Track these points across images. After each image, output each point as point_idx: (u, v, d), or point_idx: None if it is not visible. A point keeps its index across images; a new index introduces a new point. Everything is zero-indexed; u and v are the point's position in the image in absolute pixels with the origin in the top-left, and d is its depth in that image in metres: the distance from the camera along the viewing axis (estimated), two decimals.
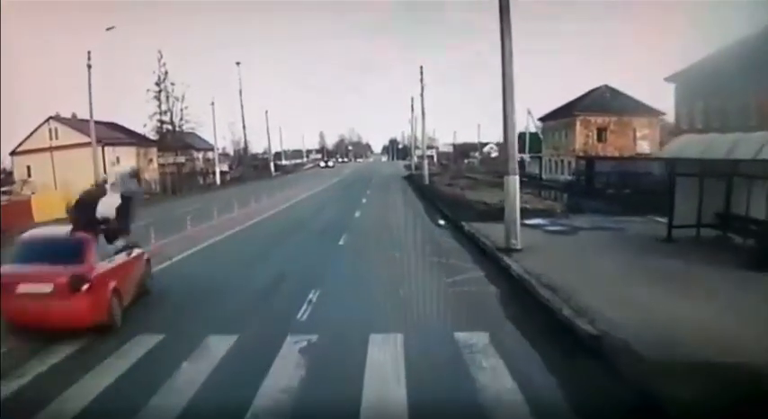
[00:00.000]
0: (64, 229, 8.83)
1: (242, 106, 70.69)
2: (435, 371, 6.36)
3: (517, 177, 13.34)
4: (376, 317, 8.38)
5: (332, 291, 10.21)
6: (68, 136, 43.83)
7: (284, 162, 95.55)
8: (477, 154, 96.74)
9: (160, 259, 12.44)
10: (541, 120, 56.35)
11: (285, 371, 6.39)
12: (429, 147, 69.38)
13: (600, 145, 47.43)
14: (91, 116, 31.59)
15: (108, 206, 8.90)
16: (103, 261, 8.53)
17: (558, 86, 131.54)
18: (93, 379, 6.30)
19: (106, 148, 45.16)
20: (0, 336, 7.33)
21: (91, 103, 30.59)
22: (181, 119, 54.90)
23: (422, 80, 49.15)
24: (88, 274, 7.96)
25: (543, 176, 52.67)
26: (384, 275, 11.26)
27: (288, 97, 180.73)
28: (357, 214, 24.06)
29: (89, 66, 29.75)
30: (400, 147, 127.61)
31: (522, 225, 13.84)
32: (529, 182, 39.39)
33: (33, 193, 37.58)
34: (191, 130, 57.01)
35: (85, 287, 7.80)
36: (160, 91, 53.82)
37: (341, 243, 16.27)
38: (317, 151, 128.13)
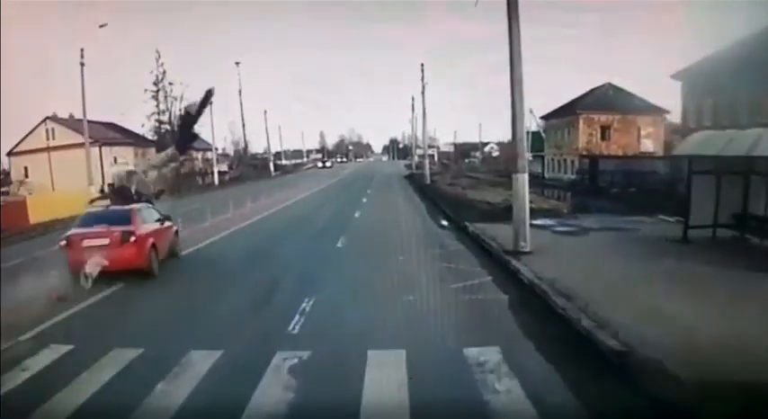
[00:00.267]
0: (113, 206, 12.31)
1: (241, 106, 70.00)
2: (443, 395, 5.61)
3: (526, 175, 12.59)
4: (375, 330, 7.64)
5: (328, 300, 9.43)
6: (66, 136, 43.26)
7: (284, 162, 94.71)
8: (477, 153, 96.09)
9: None
10: (544, 118, 55.57)
11: (272, 394, 5.65)
12: (430, 147, 68.57)
13: (603, 143, 46.76)
14: (84, 115, 30.94)
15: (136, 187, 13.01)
16: (144, 225, 11.95)
17: (560, 85, 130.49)
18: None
19: (104, 148, 44.68)
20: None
21: (84, 102, 29.98)
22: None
23: (422, 78, 48.34)
24: (134, 231, 11.41)
25: (546, 175, 51.98)
26: (384, 280, 10.44)
27: (288, 97, 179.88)
28: (357, 214, 23.34)
29: (82, 65, 29.06)
30: (401, 146, 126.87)
31: (530, 225, 13.07)
32: (531, 181, 38.48)
33: (30, 194, 37.09)
34: None
35: (132, 239, 11.28)
36: (158, 90, 53.23)
37: (339, 245, 15.51)
38: (318, 151, 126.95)
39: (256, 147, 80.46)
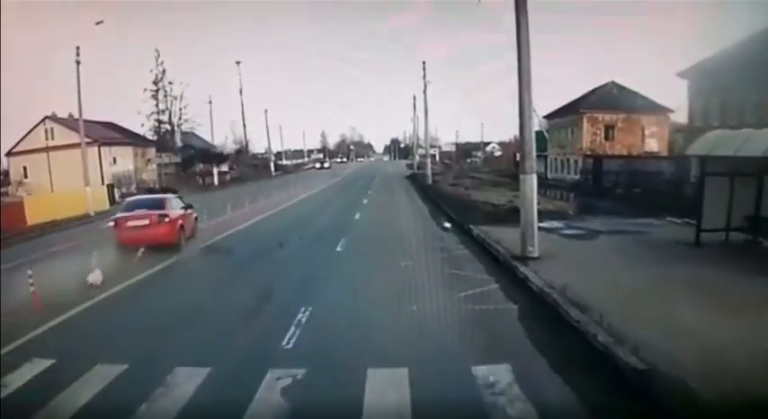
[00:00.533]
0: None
1: (242, 105, 69.68)
2: None
3: (534, 176, 11.99)
4: (376, 344, 7.13)
5: (326, 309, 8.92)
6: (65, 136, 42.73)
7: (285, 162, 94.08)
8: (479, 153, 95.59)
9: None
10: (546, 117, 54.92)
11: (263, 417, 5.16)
12: (431, 147, 68.00)
13: (607, 143, 46.13)
14: (80, 114, 30.43)
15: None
16: (174, 210, 15.38)
17: (563, 83, 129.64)
18: None
19: (103, 148, 44.20)
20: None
21: (80, 101, 29.41)
22: (179, 118, 53.85)
23: (424, 77, 47.73)
24: (168, 214, 14.89)
25: (548, 175, 51.34)
26: (386, 288, 9.95)
27: (289, 97, 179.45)
28: (357, 216, 22.82)
29: (77, 63, 28.56)
30: (402, 146, 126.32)
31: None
32: None
33: (29, 194, 36.62)
34: (190, 130, 55.93)
35: (166, 220, 14.68)
36: (158, 90, 52.80)
37: (339, 249, 14.99)
38: (319, 151, 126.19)
39: (257, 147, 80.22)
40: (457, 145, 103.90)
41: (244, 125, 67.35)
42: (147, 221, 14.39)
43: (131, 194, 40.39)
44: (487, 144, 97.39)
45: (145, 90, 52.18)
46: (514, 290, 9.76)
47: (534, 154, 12.02)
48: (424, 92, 48.43)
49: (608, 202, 25.76)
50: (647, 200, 24.25)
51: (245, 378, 6.05)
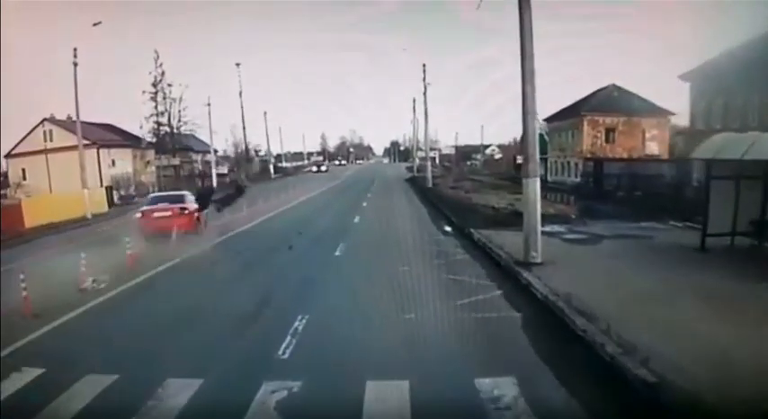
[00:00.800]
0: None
1: (242, 108, 69.20)
2: None
3: (538, 180, 11.70)
4: (376, 355, 6.87)
5: (324, 317, 8.67)
6: (63, 138, 42.60)
7: (285, 164, 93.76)
8: (479, 156, 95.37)
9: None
10: (547, 120, 54.74)
11: None
12: (431, 149, 67.73)
13: (608, 146, 45.92)
14: (77, 116, 30.20)
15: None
16: (192, 204, 18.57)
17: (563, 86, 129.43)
18: None
19: (101, 150, 44.02)
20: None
21: (77, 103, 29.22)
22: (179, 120, 53.55)
23: (424, 79, 47.60)
24: (187, 207, 18.05)
25: (548, 178, 51.08)
26: (386, 295, 9.67)
27: (289, 99, 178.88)
28: (356, 219, 22.57)
29: (75, 64, 28.36)
30: (402, 149, 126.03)
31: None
32: None
33: (28, 196, 36.38)
34: (189, 132, 55.59)
35: (186, 212, 17.75)
36: (156, 92, 52.47)
37: (337, 253, 14.74)
38: (318, 153, 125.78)
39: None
40: (456, 147, 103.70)
41: (243, 127, 67.00)
42: (170, 213, 17.33)
43: (130, 196, 40.36)
44: (487, 146, 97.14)
45: (144, 92, 51.83)
46: (518, 297, 9.50)
47: (537, 157, 11.78)
48: (424, 94, 48.33)
49: (609, 206, 25.54)
50: (649, 203, 24.05)
51: (238, 391, 5.80)
